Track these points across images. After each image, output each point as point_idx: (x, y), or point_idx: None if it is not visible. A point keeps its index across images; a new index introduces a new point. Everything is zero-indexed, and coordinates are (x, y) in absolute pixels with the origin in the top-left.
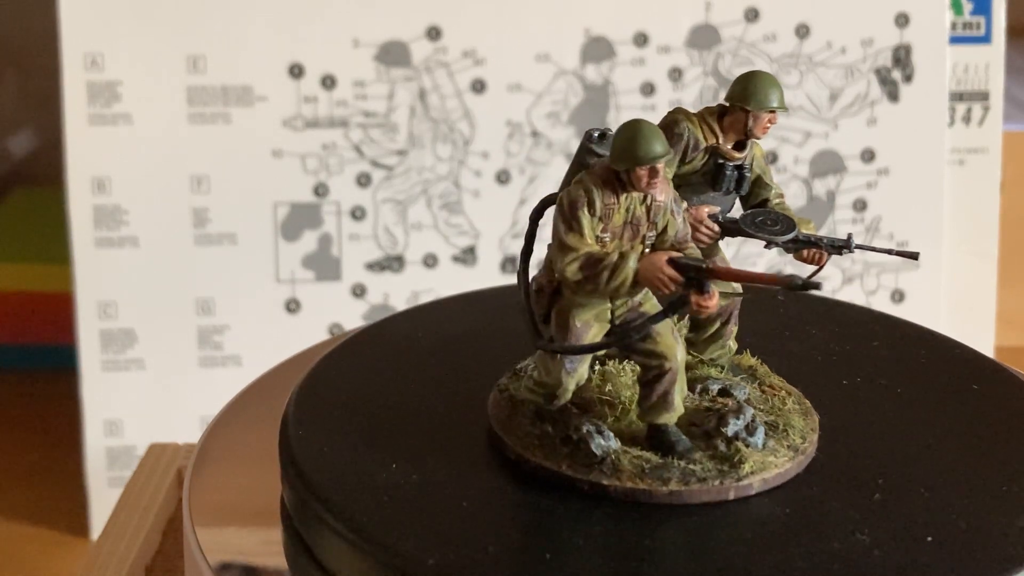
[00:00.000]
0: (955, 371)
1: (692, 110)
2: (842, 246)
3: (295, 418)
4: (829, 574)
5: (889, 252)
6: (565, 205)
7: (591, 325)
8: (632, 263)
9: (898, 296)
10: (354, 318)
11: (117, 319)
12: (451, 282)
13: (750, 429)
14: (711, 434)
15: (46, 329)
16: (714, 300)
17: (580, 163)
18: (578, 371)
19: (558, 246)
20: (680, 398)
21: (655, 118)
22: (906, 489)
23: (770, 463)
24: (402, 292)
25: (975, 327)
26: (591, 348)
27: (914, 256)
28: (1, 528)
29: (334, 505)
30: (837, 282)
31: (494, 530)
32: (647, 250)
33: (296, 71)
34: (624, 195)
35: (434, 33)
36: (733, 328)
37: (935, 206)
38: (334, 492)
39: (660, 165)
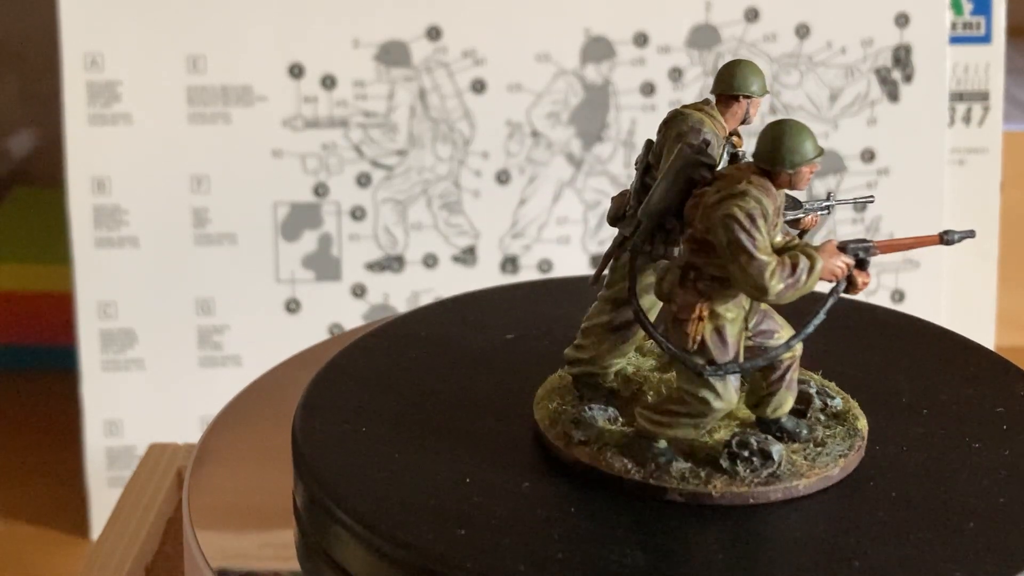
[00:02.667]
0: (877, 320)
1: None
2: (828, 206)
3: (307, 416)
4: None
5: (854, 202)
6: (743, 220)
7: (738, 337)
8: (819, 259)
9: (898, 296)
10: (354, 318)
11: (117, 319)
12: (451, 282)
13: (825, 393)
14: (796, 411)
15: (46, 329)
16: (870, 275)
17: (690, 179)
18: (739, 385)
19: (749, 262)
20: None
21: (655, 118)
22: (946, 416)
23: (861, 417)
24: (402, 292)
25: (975, 327)
26: (772, 357)
27: (870, 200)
28: (1, 528)
29: (350, 505)
30: None
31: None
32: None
33: (296, 71)
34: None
35: (434, 33)
36: None
37: (935, 206)
38: (350, 492)
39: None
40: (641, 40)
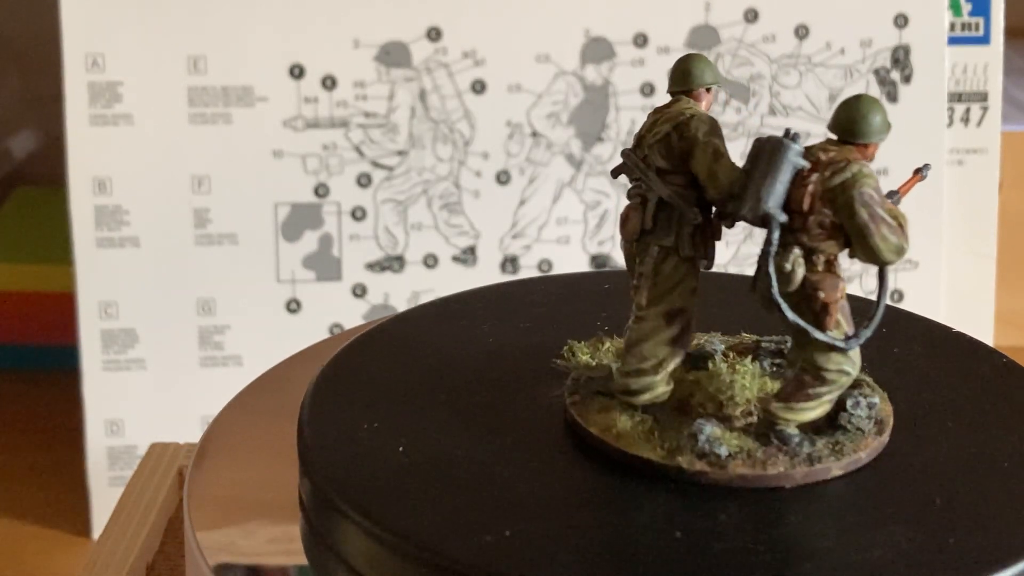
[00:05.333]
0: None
1: None
2: None
3: (314, 410)
4: None
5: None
6: (875, 195)
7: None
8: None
9: (897, 296)
10: (355, 318)
11: (118, 319)
12: (451, 282)
13: None
14: None
15: (47, 329)
16: None
17: (793, 168)
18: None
19: (890, 231)
20: None
21: None
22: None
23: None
24: (402, 292)
25: (974, 327)
26: (881, 312)
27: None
28: (2, 528)
29: (358, 501)
30: None
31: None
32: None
33: (296, 72)
34: None
35: (434, 34)
36: None
37: (934, 206)
38: (358, 487)
39: None
40: (641, 41)
